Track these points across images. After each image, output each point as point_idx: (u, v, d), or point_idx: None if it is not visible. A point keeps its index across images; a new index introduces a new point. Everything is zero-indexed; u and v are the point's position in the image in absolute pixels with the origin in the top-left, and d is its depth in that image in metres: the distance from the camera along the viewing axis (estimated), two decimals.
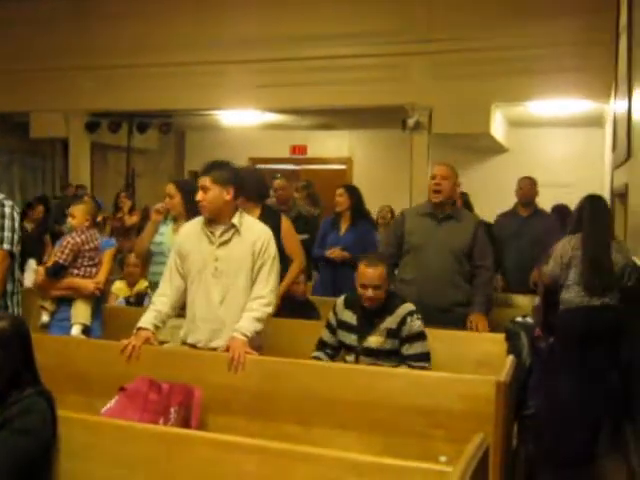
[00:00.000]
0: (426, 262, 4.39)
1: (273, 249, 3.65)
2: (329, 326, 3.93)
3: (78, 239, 4.34)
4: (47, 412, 2.59)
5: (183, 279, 3.72)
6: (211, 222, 3.65)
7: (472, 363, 3.83)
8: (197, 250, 3.66)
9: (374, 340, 3.74)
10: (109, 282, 5.13)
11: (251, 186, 4.28)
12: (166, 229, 4.66)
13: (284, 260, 4.32)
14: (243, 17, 8.75)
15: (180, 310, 3.92)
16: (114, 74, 9.32)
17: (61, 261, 4.30)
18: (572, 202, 6.56)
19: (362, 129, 11.14)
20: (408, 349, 3.70)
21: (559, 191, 8.40)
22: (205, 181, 3.59)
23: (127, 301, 5.48)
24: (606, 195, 7.11)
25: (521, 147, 10.11)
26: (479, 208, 5.68)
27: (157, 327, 3.71)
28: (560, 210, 7.11)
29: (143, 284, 5.36)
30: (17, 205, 4.30)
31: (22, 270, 7.30)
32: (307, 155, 11.86)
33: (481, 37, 7.87)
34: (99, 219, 5.25)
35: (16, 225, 4.07)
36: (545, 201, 6.91)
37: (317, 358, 3.85)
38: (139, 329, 3.66)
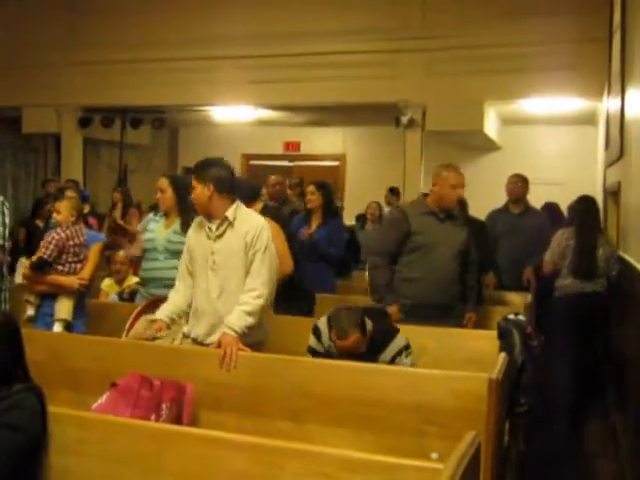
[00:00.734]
0: (435, 261, 4.41)
1: (264, 240, 3.62)
2: (313, 352, 3.76)
3: (63, 234, 4.32)
4: (37, 408, 2.58)
5: (191, 275, 3.76)
6: (209, 217, 3.69)
7: (464, 360, 3.83)
8: (199, 245, 3.71)
9: None
10: (97, 278, 5.09)
11: (243, 190, 4.28)
12: (156, 225, 4.64)
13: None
14: (236, 13, 8.73)
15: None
16: (106, 69, 9.29)
17: (45, 257, 4.28)
18: (565, 200, 6.63)
19: (356, 126, 11.14)
20: None
21: (552, 189, 8.44)
22: (192, 180, 3.69)
23: (120, 297, 5.44)
24: (599, 193, 7.15)
25: (514, 145, 10.13)
26: (472, 205, 5.69)
27: (173, 320, 3.78)
28: (550, 208, 7.17)
29: (132, 280, 5.33)
30: (8, 201, 4.29)
31: (12, 267, 7.30)
32: (300, 152, 11.86)
33: (475, 34, 7.87)
34: (86, 210, 5.21)
35: (6, 220, 4.07)
36: (538, 199, 6.93)
37: None
38: (154, 321, 3.76)
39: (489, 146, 9.92)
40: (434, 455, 2.75)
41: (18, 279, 5.86)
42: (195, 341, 3.73)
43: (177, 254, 4.12)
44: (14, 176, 11.06)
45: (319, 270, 5.51)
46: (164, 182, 4.60)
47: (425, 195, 4.67)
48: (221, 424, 3.13)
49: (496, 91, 8.13)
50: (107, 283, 5.51)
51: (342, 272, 6.24)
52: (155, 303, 4.09)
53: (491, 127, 9.06)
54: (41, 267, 4.31)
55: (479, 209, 6.15)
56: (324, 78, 8.43)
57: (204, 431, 2.64)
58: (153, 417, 3.12)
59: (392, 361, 3.58)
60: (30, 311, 4.35)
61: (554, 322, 5.51)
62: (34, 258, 4.37)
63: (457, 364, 3.70)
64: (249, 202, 4.24)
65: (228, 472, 2.36)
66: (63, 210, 4.37)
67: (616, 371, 5.39)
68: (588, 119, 9.05)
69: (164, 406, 3.17)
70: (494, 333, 4.00)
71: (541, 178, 8.36)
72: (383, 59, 8.39)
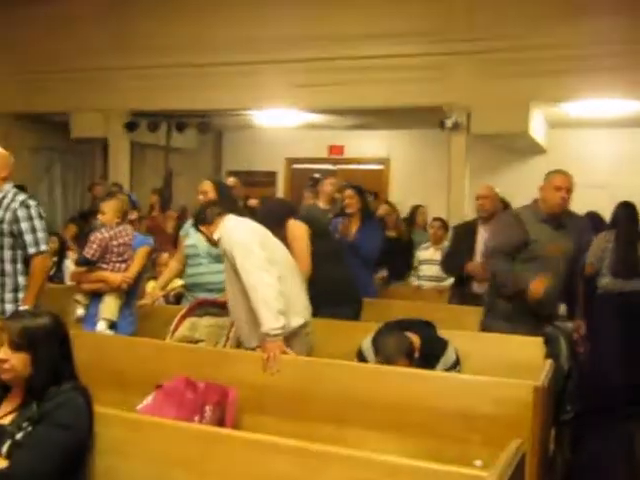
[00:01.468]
0: (552, 272, 4.22)
1: (229, 243, 3.66)
2: None
3: (106, 234, 4.39)
4: (84, 407, 2.62)
5: None
6: None
7: (509, 366, 3.76)
8: None
9: None
10: (143, 280, 5.15)
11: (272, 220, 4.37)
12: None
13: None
14: (280, 17, 8.75)
15: (218, 310, 3.96)
16: (152, 74, 9.38)
17: (89, 256, 4.36)
18: (611, 204, 6.54)
19: (400, 129, 11.08)
20: None
21: (598, 192, 8.28)
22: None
23: (166, 300, 5.50)
24: None
25: (560, 148, 9.95)
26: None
27: None
28: (592, 217, 7.09)
29: (177, 282, 5.38)
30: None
31: (60, 267, 7.43)
32: (344, 155, 11.83)
33: (521, 36, 7.76)
34: (133, 217, 5.28)
35: (44, 224, 4.18)
36: (584, 203, 6.79)
37: None
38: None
39: (535, 149, 9.78)
40: (478, 462, 2.71)
41: (67, 280, 5.98)
42: (241, 345, 3.76)
43: (220, 258, 4.16)
44: (63, 180, 11.24)
45: (359, 275, 5.52)
46: (208, 185, 4.65)
47: (536, 201, 4.46)
48: (263, 427, 3.12)
49: (542, 93, 8.01)
50: (152, 285, 5.57)
51: (396, 276, 6.28)
52: (199, 305, 4.13)
53: (537, 130, 8.94)
54: (86, 264, 4.41)
55: None
56: (368, 81, 8.40)
57: (247, 434, 2.65)
58: (197, 419, 3.15)
59: None
60: (79, 311, 4.42)
61: (598, 322, 5.48)
62: (78, 257, 4.47)
63: (502, 370, 3.64)
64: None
65: (270, 475, 2.36)
66: (108, 211, 4.44)
67: None
68: (637, 121, 8.87)
69: (207, 408, 3.19)
70: (540, 339, 3.94)
71: (587, 182, 8.19)
72: (428, 62, 8.33)
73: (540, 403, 2.95)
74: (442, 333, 3.83)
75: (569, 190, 4.34)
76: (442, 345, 3.65)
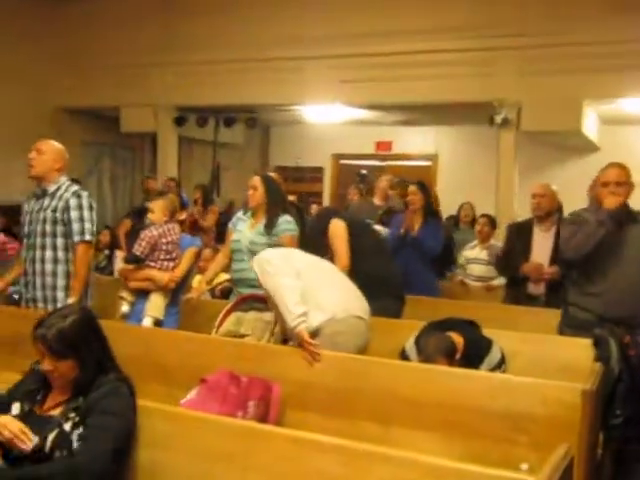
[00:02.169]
0: (616, 272, 4.01)
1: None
2: None
3: (155, 232, 4.43)
4: (130, 397, 2.65)
5: None
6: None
7: (557, 368, 3.68)
8: None
9: None
10: (189, 277, 5.17)
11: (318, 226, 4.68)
12: (244, 226, 4.71)
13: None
14: (326, 12, 8.73)
15: (263, 305, 3.96)
16: (201, 69, 9.46)
17: (138, 253, 4.41)
18: None
19: (448, 125, 10.98)
20: None
21: None
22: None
23: (212, 294, 5.52)
24: None
25: (613, 145, 9.73)
26: (569, 209, 5.48)
27: None
28: None
29: (222, 277, 5.40)
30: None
31: (110, 260, 7.53)
32: (392, 151, 11.78)
33: (572, 31, 7.60)
34: (182, 217, 5.32)
35: (94, 215, 4.27)
36: (638, 202, 6.63)
37: None
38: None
39: (587, 147, 9.58)
40: (524, 466, 2.66)
41: (117, 274, 6.05)
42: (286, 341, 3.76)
43: None
44: (112, 173, 11.43)
45: (420, 271, 5.56)
46: (257, 180, 4.70)
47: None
48: (306, 424, 3.12)
49: (595, 90, 7.84)
50: (198, 279, 5.60)
51: (439, 273, 6.23)
52: (244, 300, 4.14)
53: (590, 127, 8.76)
54: (135, 262, 4.46)
55: None
56: (416, 77, 8.33)
57: (291, 431, 2.63)
58: (240, 414, 3.14)
59: None
60: (124, 307, 4.47)
61: None
62: (127, 255, 4.52)
63: (550, 372, 3.56)
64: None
65: (313, 473, 2.35)
66: (157, 210, 4.49)
67: None
68: None
69: (251, 404, 3.19)
70: (589, 341, 3.85)
71: None
72: (477, 57, 8.22)
73: (588, 407, 2.88)
74: (489, 333, 3.77)
75: (619, 184, 4.04)
76: (486, 345, 3.60)
